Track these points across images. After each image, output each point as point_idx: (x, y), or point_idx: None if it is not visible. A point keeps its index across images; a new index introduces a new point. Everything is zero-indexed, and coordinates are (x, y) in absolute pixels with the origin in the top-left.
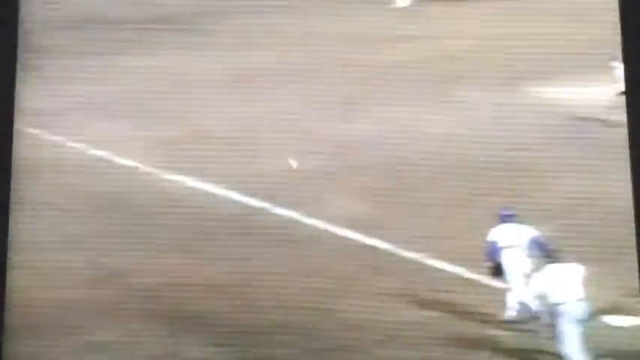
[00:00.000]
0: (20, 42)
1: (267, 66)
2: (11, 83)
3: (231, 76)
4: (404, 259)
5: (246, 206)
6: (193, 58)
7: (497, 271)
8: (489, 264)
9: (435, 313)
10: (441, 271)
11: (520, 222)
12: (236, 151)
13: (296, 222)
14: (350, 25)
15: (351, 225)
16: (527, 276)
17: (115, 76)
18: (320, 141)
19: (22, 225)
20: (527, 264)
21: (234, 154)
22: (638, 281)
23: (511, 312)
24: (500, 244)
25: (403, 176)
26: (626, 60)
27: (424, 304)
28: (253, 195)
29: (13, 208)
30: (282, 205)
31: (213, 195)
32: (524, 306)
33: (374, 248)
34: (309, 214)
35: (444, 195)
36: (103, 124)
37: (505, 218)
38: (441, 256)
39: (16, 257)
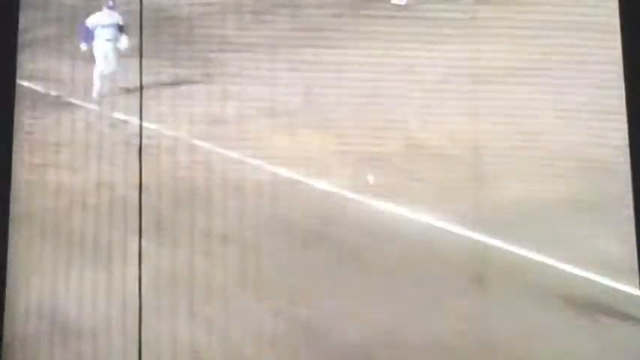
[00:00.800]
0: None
1: (497, 64)
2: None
3: (452, 76)
4: None
5: (475, 243)
6: (409, 53)
7: None
8: None
9: None
10: None
11: None
12: (460, 172)
13: (539, 264)
14: (587, 19)
15: (601, 268)
16: None
17: (306, 75)
18: (564, 160)
19: (188, 257)
20: None
21: (458, 176)
22: None
23: None
24: None
25: None
26: (626, 59)
27: None
28: (483, 230)
29: (174, 236)
30: (518, 242)
31: (436, 229)
32: None
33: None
34: (553, 255)
35: None
36: (291, 136)
37: None
38: None
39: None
